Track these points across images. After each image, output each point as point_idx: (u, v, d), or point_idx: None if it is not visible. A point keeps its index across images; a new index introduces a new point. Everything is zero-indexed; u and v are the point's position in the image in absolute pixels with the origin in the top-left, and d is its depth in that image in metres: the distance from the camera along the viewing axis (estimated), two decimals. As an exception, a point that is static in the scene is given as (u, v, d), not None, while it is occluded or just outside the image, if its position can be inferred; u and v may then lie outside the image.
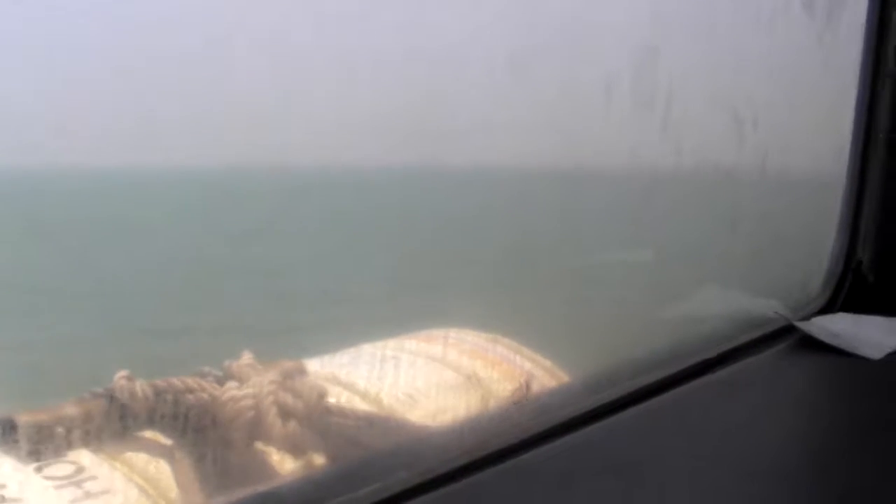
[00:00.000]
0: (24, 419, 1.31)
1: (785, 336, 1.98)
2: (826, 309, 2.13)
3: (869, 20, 2.18)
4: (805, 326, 1.99)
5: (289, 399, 1.44)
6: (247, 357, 1.52)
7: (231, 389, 1.44)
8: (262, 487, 1.34)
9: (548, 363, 1.74)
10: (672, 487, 1.32)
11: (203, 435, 1.42)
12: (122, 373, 1.41)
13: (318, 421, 1.46)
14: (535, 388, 1.70)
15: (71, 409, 1.36)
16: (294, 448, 1.43)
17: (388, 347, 1.68)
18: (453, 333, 1.75)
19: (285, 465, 1.42)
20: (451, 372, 1.66)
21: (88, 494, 1.27)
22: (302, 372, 1.54)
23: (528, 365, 1.73)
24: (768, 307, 2.05)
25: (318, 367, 1.58)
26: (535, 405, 1.68)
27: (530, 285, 1.88)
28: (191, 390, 1.42)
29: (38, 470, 1.28)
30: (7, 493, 1.23)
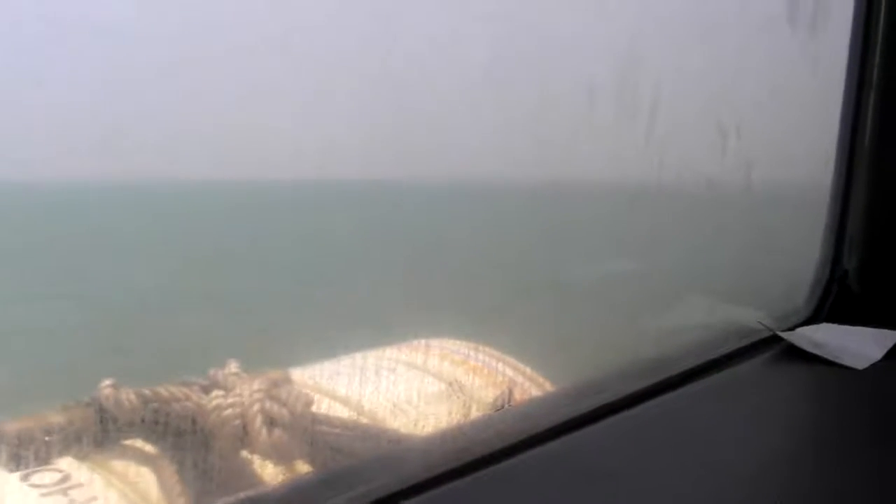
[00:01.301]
0: (9, 427, 1.32)
1: (769, 346, 1.98)
2: (811, 319, 2.14)
3: (854, 31, 2.18)
4: (789, 337, 1.99)
5: (275, 408, 1.45)
6: (232, 366, 1.53)
7: (217, 398, 1.45)
8: (244, 493, 1.34)
9: (530, 371, 1.75)
10: (655, 495, 1.33)
11: (189, 443, 1.43)
12: (108, 381, 1.42)
13: (304, 429, 1.47)
14: (518, 395, 1.70)
15: (57, 417, 1.37)
16: (280, 456, 1.44)
17: (371, 357, 1.69)
18: (435, 342, 1.76)
19: (271, 473, 1.42)
20: (433, 379, 1.67)
21: (74, 502, 1.27)
22: (287, 381, 1.55)
23: (510, 372, 1.74)
24: (753, 318, 2.06)
25: (302, 376, 1.59)
26: (518, 412, 1.68)
27: (514, 296, 1.88)
28: (176, 399, 1.43)
29: (24, 478, 1.28)
30: (-8, 500, 1.24)
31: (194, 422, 1.42)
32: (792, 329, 2.05)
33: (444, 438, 1.52)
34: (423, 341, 1.76)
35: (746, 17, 2.06)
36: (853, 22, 2.18)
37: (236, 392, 1.46)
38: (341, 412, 1.55)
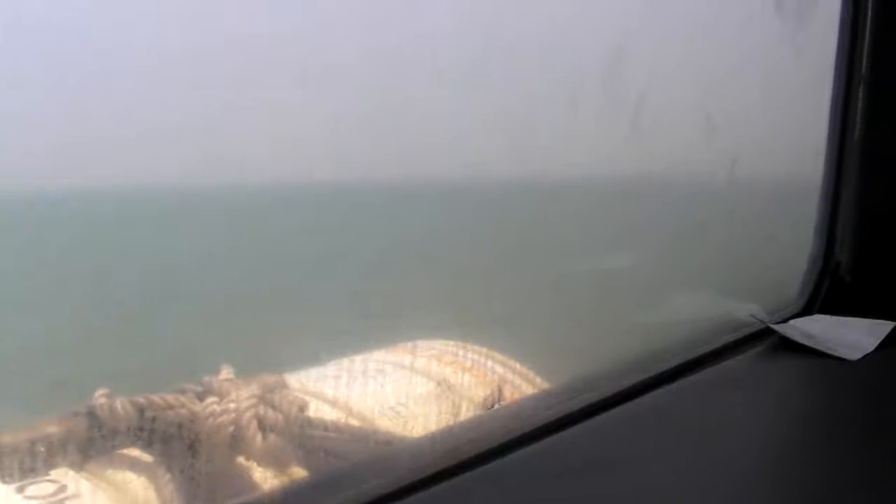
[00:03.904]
0: (3, 438, 1.32)
1: (762, 339, 1.98)
2: (804, 311, 2.14)
3: (842, 23, 2.19)
4: (782, 329, 1.99)
5: (269, 413, 1.45)
6: (225, 372, 1.53)
7: (211, 405, 1.44)
8: (237, 500, 1.35)
9: (521, 367, 1.75)
10: (649, 491, 1.33)
11: (184, 451, 1.43)
12: (102, 390, 1.42)
13: (298, 434, 1.47)
14: (509, 392, 1.71)
15: (51, 428, 1.37)
16: (275, 462, 1.44)
17: (360, 359, 1.69)
18: (423, 343, 1.76)
19: (267, 478, 1.43)
20: (422, 379, 1.67)
21: (70, 513, 1.28)
22: (282, 385, 1.55)
23: (500, 370, 1.74)
24: (746, 310, 2.06)
25: (292, 380, 1.59)
26: (509, 410, 1.68)
27: (505, 293, 1.88)
28: (171, 406, 1.43)
29: (20, 490, 1.28)
30: (-13, 512, 1.24)
31: (189, 429, 1.42)
32: (785, 321, 2.06)
33: (435, 439, 1.52)
34: (410, 343, 1.76)
35: (733, 10, 2.06)
36: (841, 14, 2.19)
37: (230, 398, 1.46)
38: (333, 415, 1.55)
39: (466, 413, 1.64)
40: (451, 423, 1.61)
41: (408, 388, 1.64)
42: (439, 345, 1.76)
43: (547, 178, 1.87)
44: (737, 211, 2.13)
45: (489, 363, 1.74)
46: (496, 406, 1.66)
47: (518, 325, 1.86)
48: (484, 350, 1.76)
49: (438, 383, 1.66)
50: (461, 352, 1.74)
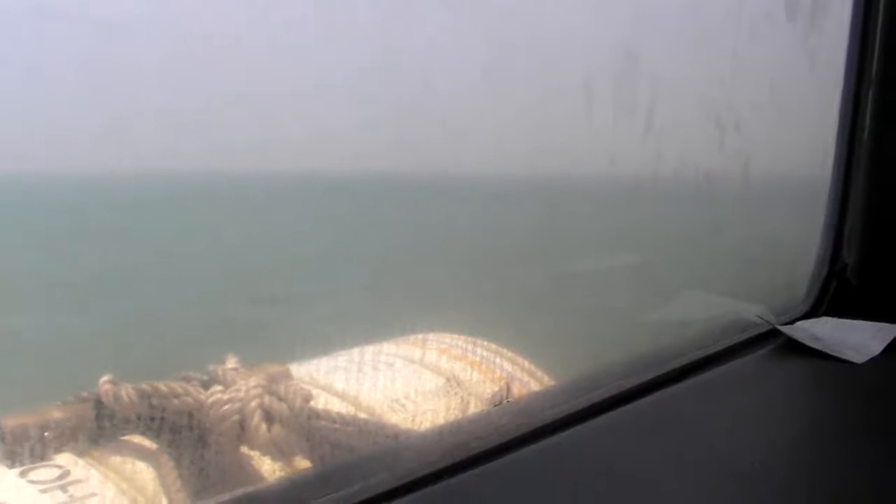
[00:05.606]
0: (8, 423, 1.32)
1: (769, 340, 1.98)
2: (810, 313, 2.14)
3: (853, 27, 2.18)
4: (788, 330, 1.99)
5: (274, 403, 1.45)
6: (231, 361, 1.53)
7: (216, 393, 1.45)
8: (243, 490, 1.34)
9: (529, 365, 1.75)
10: (654, 490, 1.33)
11: (188, 439, 1.43)
12: (107, 377, 1.42)
13: (302, 424, 1.46)
14: (516, 390, 1.70)
15: (56, 413, 1.37)
16: (279, 451, 1.44)
17: (369, 352, 1.69)
18: (433, 336, 1.76)
19: (270, 468, 1.42)
20: (431, 374, 1.67)
21: (73, 498, 1.27)
22: (287, 376, 1.55)
23: (508, 367, 1.74)
24: (752, 311, 2.06)
25: (299, 371, 1.59)
26: (516, 407, 1.68)
27: (513, 289, 1.88)
28: (176, 395, 1.43)
29: (23, 473, 1.28)
30: (-9, 496, 1.24)
31: (193, 417, 1.42)
32: (791, 323, 2.05)
33: (442, 434, 1.52)
34: (420, 336, 1.76)
35: (746, 12, 2.06)
36: (852, 17, 2.18)
37: (235, 387, 1.46)
38: (339, 407, 1.55)
39: (474, 409, 1.64)
40: (458, 418, 1.60)
41: (416, 383, 1.64)
42: (448, 339, 1.76)
43: (560, 177, 1.87)
44: (745, 211, 2.12)
45: (498, 360, 1.74)
46: (504, 403, 1.66)
47: (526, 321, 1.86)
48: (493, 346, 1.75)
49: (447, 379, 1.66)
50: (470, 347, 1.74)
